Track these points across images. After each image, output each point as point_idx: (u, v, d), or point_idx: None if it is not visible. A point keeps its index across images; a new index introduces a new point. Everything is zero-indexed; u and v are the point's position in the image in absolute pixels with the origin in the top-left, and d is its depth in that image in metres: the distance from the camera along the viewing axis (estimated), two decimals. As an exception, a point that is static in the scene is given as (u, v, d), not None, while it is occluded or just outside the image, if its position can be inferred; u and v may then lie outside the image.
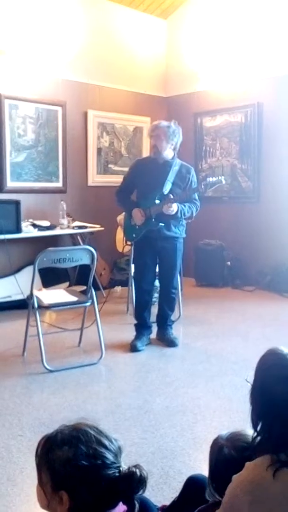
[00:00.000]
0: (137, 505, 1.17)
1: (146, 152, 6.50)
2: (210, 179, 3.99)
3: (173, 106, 6.67)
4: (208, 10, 6.23)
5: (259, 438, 1.25)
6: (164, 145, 3.80)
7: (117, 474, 1.16)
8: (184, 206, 3.82)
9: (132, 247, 4.39)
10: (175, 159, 3.91)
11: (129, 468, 1.17)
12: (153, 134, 3.82)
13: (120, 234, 5.34)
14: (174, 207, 3.74)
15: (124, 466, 1.18)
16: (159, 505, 1.76)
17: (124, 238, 4.35)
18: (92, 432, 1.19)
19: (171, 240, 3.93)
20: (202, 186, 3.92)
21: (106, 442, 1.19)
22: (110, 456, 1.17)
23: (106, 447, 1.17)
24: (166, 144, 3.80)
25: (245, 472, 1.21)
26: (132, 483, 1.15)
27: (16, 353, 3.80)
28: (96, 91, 6.01)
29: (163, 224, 3.83)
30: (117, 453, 1.19)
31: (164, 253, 3.95)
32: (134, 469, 1.16)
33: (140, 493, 1.17)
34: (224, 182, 4.17)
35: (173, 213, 3.75)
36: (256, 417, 1.27)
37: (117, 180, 5.81)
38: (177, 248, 3.97)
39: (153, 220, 3.83)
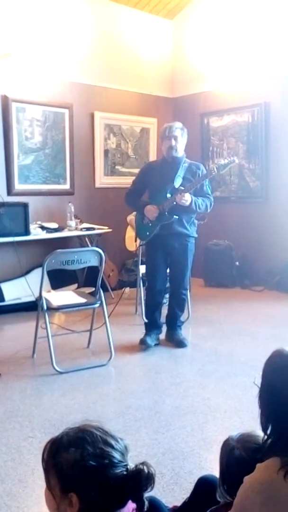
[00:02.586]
0: (146, 503, 1.18)
1: (153, 153, 6.52)
2: (222, 161, 3.94)
3: (179, 107, 6.67)
4: (213, 10, 6.22)
5: (269, 440, 1.25)
6: (181, 145, 3.88)
7: (124, 473, 1.16)
8: (198, 198, 3.83)
9: (143, 247, 4.38)
10: (184, 157, 3.94)
11: (136, 466, 1.18)
12: (171, 135, 3.84)
13: (130, 233, 5.35)
14: (188, 197, 3.74)
15: (131, 465, 1.19)
16: (170, 505, 1.76)
17: (135, 237, 4.34)
18: (97, 432, 1.20)
19: (182, 239, 3.93)
20: (215, 169, 3.86)
21: (112, 442, 1.19)
22: (117, 455, 1.17)
23: (112, 447, 1.18)
24: (182, 144, 3.90)
25: (256, 473, 1.20)
26: (140, 480, 1.16)
27: (26, 355, 3.82)
28: (102, 92, 6.02)
29: (177, 217, 3.82)
30: (124, 452, 1.20)
31: (176, 254, 3.95)
32: (141, 467, 1.17)
33: (148, 490, 1.17)
34: (237, 161, 4.10)
35: (187, 203, 3.74)
36: (266, 420, 1.26)
37: (124, 181, 5.84)
38: (189, 248, 3.96)
39: (166, 213, 3.84)
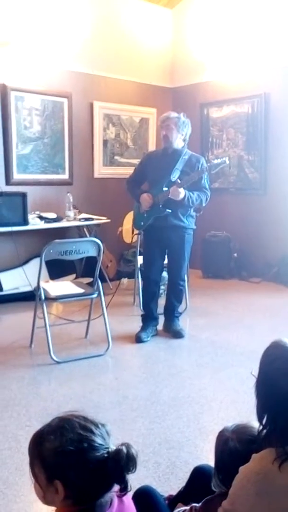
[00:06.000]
0: (129, 484, 1.20)
1: (152, 143, 6.49)
2: (214, 161, 3.95)
3: (179, 97, 6.63)
4: (214, 0, 6.17)
5: (265, 431, 1.26)
6: (174, 135, 3.84)
7: (105, 455, 1.18)
8: (193, 193, 3.81)
9: (141, 237, 4.39)
10: (185, 149, 3.92)
11: (116, 447, 1.20)
12: (164, 125, 3.84)
13: (127, 225, 5.35)
14: (181, 192, 3.73)
15: (113, 447, 1.20)
16: (166, 495, 1.78)
17: (132, 228, 4.36)
18: (76, 420, 1.22)
19: (179, 231, 3.92)
20: (207, 168, 3.86)
21: (92, 427, 1.21)
22: (97, 439, 1.19)
23: (91, 431, 1.20)
24: (177, 134, 3.85)
25: (251, 464, 1.22)
26: (119, 460, 1.17)
27: (23, 345, 3.83)
28: (101, 82, 5.98)
29: (170, 211, 3.82)
30: (105, 436, 1.21)
31: (172, 244, 3.95)
32: (121, 447, 1.19)
33: (131, 470, 1.19)
34: (228, 162, 4.08)
35: (180, 197, 3.72)
36: (261, 410, 1.27)
37: (123, 172, 5.83)
38: (186, 239, 3.96)
39: (160, 206, 3.83)
